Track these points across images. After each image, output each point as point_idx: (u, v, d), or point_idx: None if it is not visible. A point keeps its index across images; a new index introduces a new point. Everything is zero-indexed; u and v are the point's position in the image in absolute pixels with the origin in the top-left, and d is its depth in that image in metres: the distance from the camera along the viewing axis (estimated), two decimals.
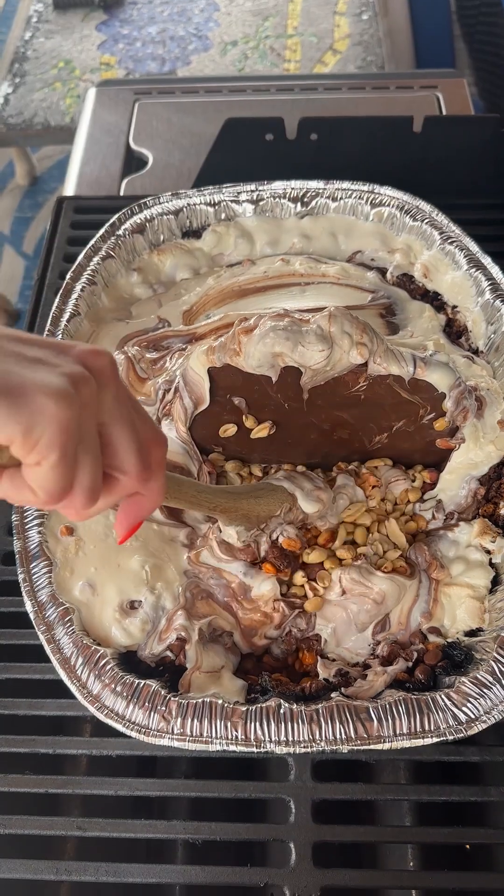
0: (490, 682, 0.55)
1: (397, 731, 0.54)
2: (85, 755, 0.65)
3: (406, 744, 0.53)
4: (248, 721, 0.54)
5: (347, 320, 0.59)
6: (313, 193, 0.84)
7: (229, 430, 0.69)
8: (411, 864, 0.60)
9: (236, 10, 2.05)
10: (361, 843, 0.63)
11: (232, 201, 0.85)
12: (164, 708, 0.55)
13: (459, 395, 0.64)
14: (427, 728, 0.54)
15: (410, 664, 0.60)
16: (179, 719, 0.55)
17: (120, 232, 0.81)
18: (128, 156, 1.19)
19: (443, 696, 0.55)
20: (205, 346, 0.64)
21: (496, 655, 0.57)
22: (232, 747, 0.54)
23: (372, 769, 0.64)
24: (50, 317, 0.74)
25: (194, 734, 0.54)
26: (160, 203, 0.84)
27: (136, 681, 0.56)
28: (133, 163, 1.20)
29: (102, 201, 0.99)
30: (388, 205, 0.83)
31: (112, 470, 0.41)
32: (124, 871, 0.58)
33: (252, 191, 0.85)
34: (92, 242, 0.80)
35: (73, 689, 0.57)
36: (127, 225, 0.82)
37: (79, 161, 1.18)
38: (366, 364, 0.61)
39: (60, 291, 0.76)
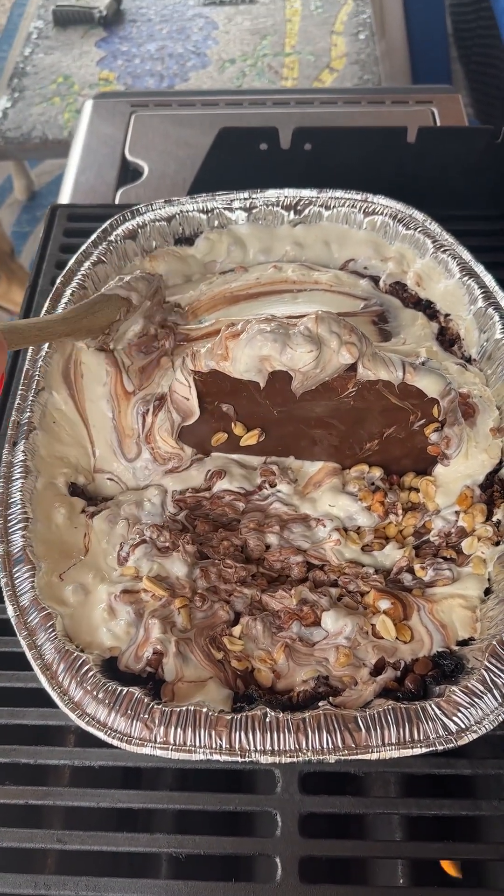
0: (481, 692, 0.54)
1: (385, 741, 0.52)
2: (68, 766, 0.63)
3: (394, 754, 0.52)
4: (233, 730, 0.53)
5: (334, 321, 0.59)
6: (306, 202, 0.84)
7: (221, 438, 0.68)
8: (401, 880, 0.58)
9: (235, 28, 2.07)
10: (350, 859, 0.61)
11: (225, 209, 0.84)
12: (146, 716, 0.54)
13: (450, 401, 0.63)
14: (416, 738, 0.52)
15: (399, 674, 0.59)
16: (162, 727, 0.53)
17: (112, 237, 0.81)
18: (123, 166, 1.19)
19: (433, 706, 0.54)
20: (189, 354, 0.64)
21: (487, 664, 0.55)
22: (216, 756, 0.52)
23: (361, 782, 0.63)
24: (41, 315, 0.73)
25: (177, 743, 0.53)
26: (153, 210, 0.83)
27: (119, 688, 0.55)
28: (129, 174, 1.20)
29: (96, 209, 0.99)
30: (382, 213, 0.83)
31: None
32: (105, 886, 0.57)
33: (245, 199, 0.84)
34: (83, 248, 0.79)
35: (53, 695, 0.55)
36: (119, 231, 0.81)
37: (74, 171, 1.18)
38: (355, 369, 0.60)
39: (50, 296, 0.75)
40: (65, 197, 1.15)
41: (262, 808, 0.60)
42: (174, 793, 0.61)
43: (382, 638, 0.61)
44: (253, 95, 1.33)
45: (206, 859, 0.58)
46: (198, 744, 0.53)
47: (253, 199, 0.84)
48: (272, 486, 0.68)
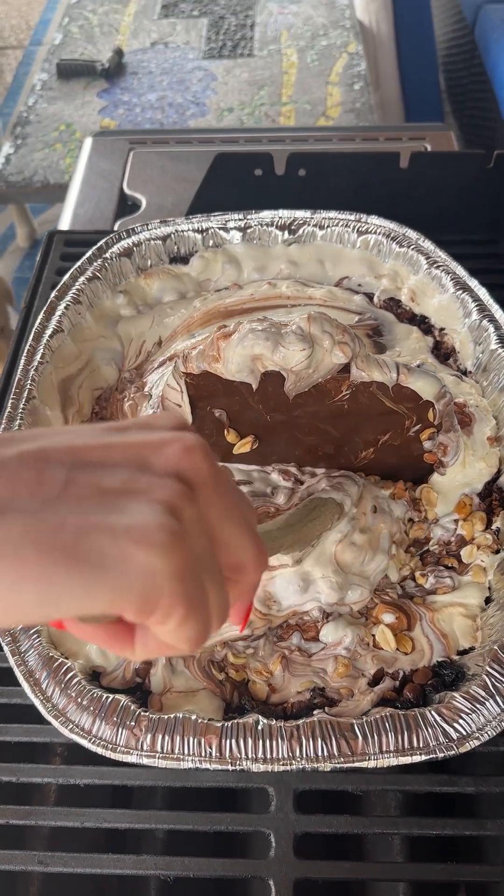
0: (483, 698, 0.52)
1: (384, 748, 0.50)
2: (53, 784, 0.60)
3: (393, 761, 0.49)
4: (224, 737, 0.51)
5: (327, 321, 0.58)
6: (301, 222, 0.85)
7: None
8: None
9: (233, 80, 2.13)
10: (348, 881, 0.58)
11: (220, 228, 0.85)
12: (133, 723, 0.51)
13: (446, 404, 0.62)
14: (416, 745, 0.50)
15: (397, 683, 0.57)
16: (150, 735, 0.51)
17: (107, 255, 0.81)
18: (121, 199, 1.21)
19: (432, 713, 0.51)
20: (180, 357, 0.63)
21: (489, 670, 0.53)
22: (205, 765, 0.50)
23: (359, 801, 0.60)
24: (32, 332, 0.73)
25: (165, 751, 0.50)
26: (148, 229, 0.84)
27: (105, 695, 0.53)
28: (127, 207, 1.21)
29: (92, 235, 1.00)
30: (375, 232, 0.83)
31: (231, 572, 0.34)
32: None
33: (240, 219, 0.85)
34: (78, 264, 0.80)
35: (36, 702, 0.53)
36: (114, 248, 0.82)
37: (73, 203, 1.19)
38: (349, 370, 0.60)
39: (44, 309, 0.75)
40: (63, 226, 1.16)
41: (254, 827, 0.56)
42: (163, 812, 0.58)
43: (382, 648, 0.59)
44: (249, 133, 1.36)
45: (196, 882, 0.55)
46: (186, 752, 0.50)
47: (248, 219, 0.85)
48: (301, 483, 0.67)
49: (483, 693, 0.52)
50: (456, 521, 0.65)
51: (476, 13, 2.47)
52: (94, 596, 0.27)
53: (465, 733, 0.50)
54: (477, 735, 0.50)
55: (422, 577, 0.63)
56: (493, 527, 0.64)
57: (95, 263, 0.80)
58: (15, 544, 0.26)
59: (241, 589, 0.35)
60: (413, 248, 0.81)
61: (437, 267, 0.79)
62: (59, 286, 0.77)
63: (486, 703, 0.52)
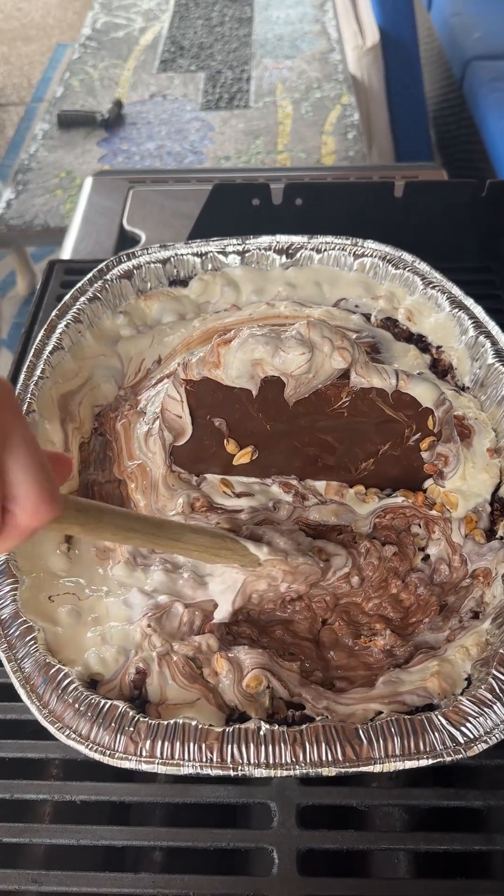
0: (490, 701, 0.51)
1: (389, 753, 0.49)
2: (48, 801, 0.58)
3: (399, 765, 0.48)
4: (225, 743, 0.49)
5: (326, 327, 0.59)
6: (298, 246, 0.86)
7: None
8: None
9: (230, 130, 2.19)
10: None
11: (219, 253, 0.86)
12: (132, 729, 0.50)
13: (445, 411, 0.62)
14: (422, 749, 0.49)
15: None
16: (149, 741, 0.49)
17: (108, 276, 0.82)
18: (121, 235, 1.23)
19: (439, 717, 0.50)
20: (180, 364, 0.63)
21: (496, 673, 0.52)
22: (206, 770, 0.48)
23: (364, 817, 0.58)
24: (32, 349, 0.74)
25: (164, 757, 0.49)
26: (148, 253, 0.85)
27: (102, 701, 0.52)
28: (126, 242, 1.24)
29: (92, 264, 1.01)
30: (371, 256, 0.84)
31: (6, 502, 0.36)
32: None
33: (238, 244, 0.86)
34: (79, 284, 0.81)
35: (32, 708, 0.52)
36: (115, 270, 0.83)
37: (74, 237, 1.21)
38: (348, 376, 0.60)
39: (45, 326, 0.76)
40: (64, 258, 1.18)
41: (257, 844, 0.55)
42: (161, 829, 0.56)
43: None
44: (245, 173, 1.39)
45: None
46: (186, 757, 0.49)
47: (246, 244, 0.86)
48: (304, 498, 0.66)
49: (490, 696, 0.51)
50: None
51: (464, 69, 2.56)
52: None
53: (472, 737, 0.49)
54: (485, 738, 0.49)
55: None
56: (497, 536, 0.64)
57: (96, 284, 0.81)
58: None
59: (11, 523, 0.36)
60: (409, 270, 0.82)
61: (433, 287, 0.80)
62: (59, 305, 0.78)
63: (494, 706, 0.50)
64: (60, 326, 0.76)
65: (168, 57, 2.51)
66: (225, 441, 0.66)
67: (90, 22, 2.73)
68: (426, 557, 0.67)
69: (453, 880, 0.53)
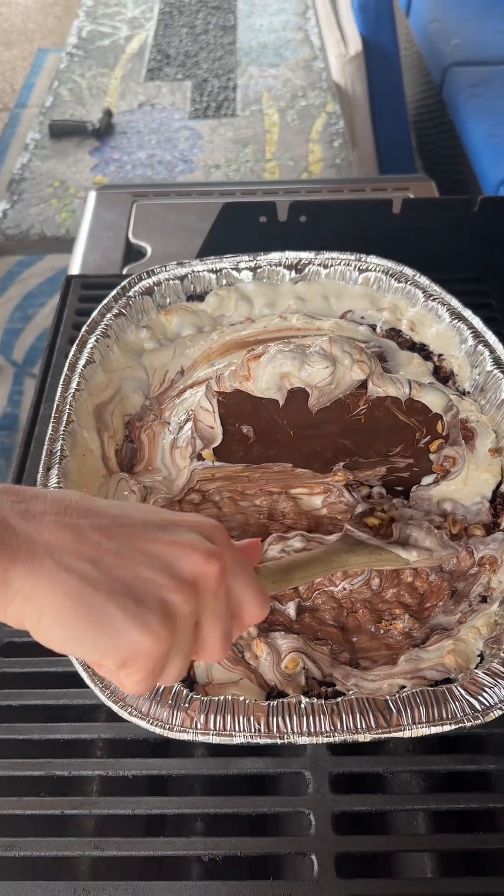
0: (503, 673, 0.57)
1: (416, 720, 0.55)
2: (99, 776, 0.64)
3: (425, 731, 0.55)
4: (271, 715, 0.56)
5: (346, 342, 0.65)
6: (306, 262, 0.92)
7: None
8: (430, 875, 0.60)
9: (218, 138, 2.25)
10: (381, 854, 0.62)
11: (232, 269, 0.92)
12: (186, 705, 0.56)
13: (453, 416, 0.69)
14: (445, 716, 0.55)
15: None
16: (203, 715, 0.56)
17: (130, 293, 0.88)
18: (128, 248, 1.29)
19: (458, 688, 0.57)
20: (213, 378, 0.70)
21: None
22: (255, 739, 0.55)
23: (386, 783, 0.64)
24: (67, 363, 0.79)
25: (218, 728, 0.55)
26: (166, 270, 0.91)
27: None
28: (132, 254, 1.29)
29: (105, 279, 1.07)
30: (375, 270, 0.91)
31: (196, 654, 0.46)
32: (145, 890, 0.57)
33: (250, 260, 0.92)
34: (105, 301, 0.86)
35: (96, 690, 0.58)
36: (136, 287, 0.89)
37: (82, 250, 1.27)
38: (366, 386, 0.67)
39: (76, 342, 0.81)
40: (74, 271, 1.23)
41: (295, 808, 0.61)
42: (209, 797, 0.62)
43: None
44: (244, 186, 1.45)
45: (239, 860, 0.59)
46: (237, 728, 0.55)
47: (257, 260, 0.93)
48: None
49: (503, 669, 0.57)
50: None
51: (443, 75, 2.63)
52: (96, 650, 0.41)
53: (489, 704, 0.56)
54: (500, 706, 0.56)
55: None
56: (501, 527, 0.71)
57: (120, 301, 0.87)
58: (72, 595, 0.39)
59: (239, 626, 0.48)
60: (410, 283, 0.89)
61: (434, 299, 0.87)
62: (88, 322, 0.84)
63: None
64: (91, 341, 0.81)
65: (154, 66, 2.56)
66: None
67: (76, 31, 2.77)
68: None
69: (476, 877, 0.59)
